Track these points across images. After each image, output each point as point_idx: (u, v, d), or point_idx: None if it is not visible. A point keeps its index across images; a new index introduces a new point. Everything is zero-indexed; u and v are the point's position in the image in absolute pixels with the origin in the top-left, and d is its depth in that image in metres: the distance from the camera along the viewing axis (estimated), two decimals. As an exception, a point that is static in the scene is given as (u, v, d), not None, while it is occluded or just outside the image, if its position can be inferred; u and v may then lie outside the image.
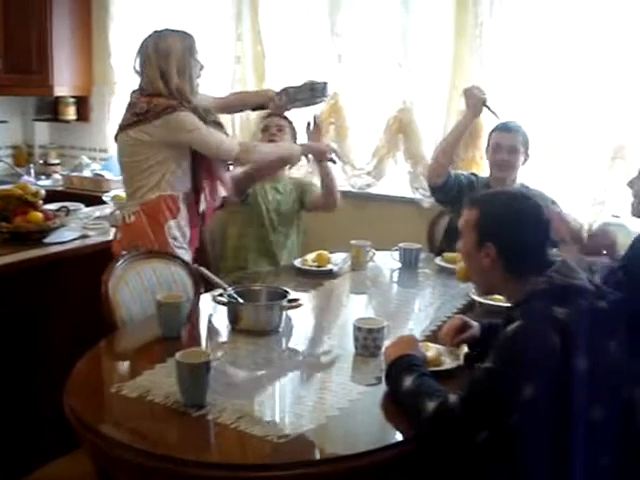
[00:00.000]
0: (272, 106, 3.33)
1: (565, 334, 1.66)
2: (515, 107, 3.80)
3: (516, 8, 3.79)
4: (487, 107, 3.44)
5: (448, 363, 2.06)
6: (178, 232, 2.92)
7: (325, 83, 3.22)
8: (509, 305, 2.48)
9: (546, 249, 1.88)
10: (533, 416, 1.65)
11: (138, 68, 2.93)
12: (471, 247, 1.91)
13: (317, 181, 3.68)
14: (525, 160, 3.40)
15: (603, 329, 1.76)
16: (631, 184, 2.59)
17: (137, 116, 2.84)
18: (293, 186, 3.67)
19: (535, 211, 1.89)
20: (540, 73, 3.76)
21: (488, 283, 1.97)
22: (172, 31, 2.94)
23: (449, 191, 3.44)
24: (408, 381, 1.81)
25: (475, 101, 3.44)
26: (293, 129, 3.64)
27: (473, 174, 3.56)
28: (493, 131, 3.44)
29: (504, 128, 3.38)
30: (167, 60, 2.83)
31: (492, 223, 1.88)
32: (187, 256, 2.95)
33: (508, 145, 3.31)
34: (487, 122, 3.80)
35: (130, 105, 2.92)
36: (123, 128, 2.90)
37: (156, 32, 2.92)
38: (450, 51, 3.92)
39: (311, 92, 3.19)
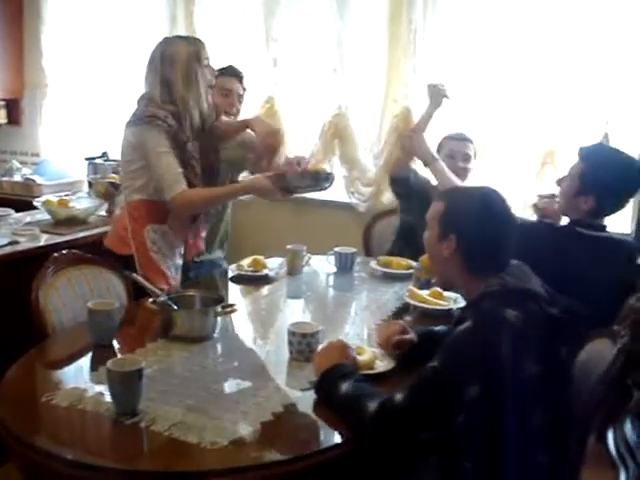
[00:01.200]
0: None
1: (514, 337, 1.67)
2: (448, 112, 3.85)
3: (449, 15, 3.86)
4: (447, 97, 3.43)
5: (382, 366, 2.07)
6: (160, 238, 2.86)
7: (329, 174, 2.82)
8: (445, 308, 2.56)
9: (506, 251, 1.89)
10: (476, 417, 1.67)
11: (145, 74, 2.88)
12: (433, 237, 1.93)
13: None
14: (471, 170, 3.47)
15: (553, 335, 1.78)
16: (559, 182, 2.70)
17: (132, 117, 2.81)
18: None
19: (501, 210, 1.90)
20: (472, 79, 3.84)
21: (446, 276, 1.98)
22: (180, 37, 2.93)
23: (410, 184, 3.48)
24: (344, 387, 1.82)
25: (436, 93, 3.42)
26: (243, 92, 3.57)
27: (427, 180, 3.57)
28: (445, 139, 3.49)
29: (459, 137, 3.46)
30: (172, 68, 2.79)
31: (457, 216, 1.89)
32: (167, 264, 2.90)
33: (463, 153, 3.40)
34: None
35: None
36: (126, 125, 2.86)
37: (165, 39, 2.90)
38: (384, 57, 3.97)
39: (313, 181, 2.75)
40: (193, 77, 2.81)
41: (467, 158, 3.41)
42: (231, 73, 3.52)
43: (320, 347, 2.10)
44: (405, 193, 3.55)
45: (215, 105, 3.09)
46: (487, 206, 1.88)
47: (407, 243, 3.49)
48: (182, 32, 4.37)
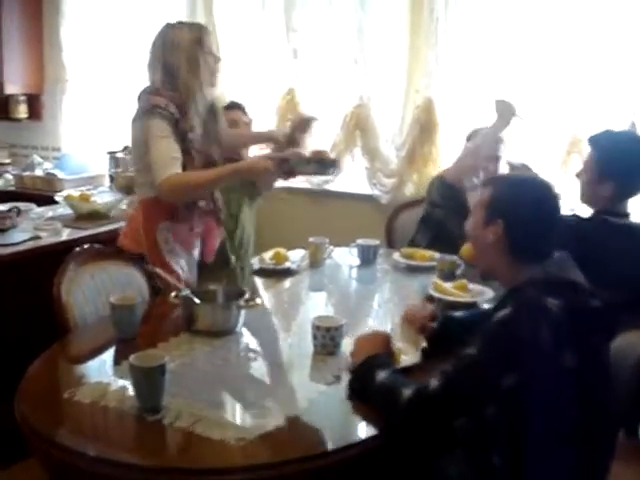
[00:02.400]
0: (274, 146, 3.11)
1: (555, 327, 1.65)
2: (471, 102, 3.82)
3: (471, 3, 3.81)
4: (516, 116, 3.30)
5: (407, 360, 2.05)
6: (172, 236, 2.82)
7: (335, 161, 2.81)
8: (469, 300, 2.53)
9: (552, 238, 1.86)
10: (510, 407, 1.65)
11: (148, 64, 2.83)
12: (479, 223, 1.90)
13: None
14: None
15: (594, 327, 1.75)
16: (578, 175, 2.66)
17: (136, 112, 2.78)
18: None
19: (550, 199, 1.87)
20: (496, 68, 3.79)
21: (488, 263, 1.94)
22: (182, 23, 2.84)
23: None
24: (381, 375, 1.81)
25: (505, 110, 3.28)
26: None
27: None
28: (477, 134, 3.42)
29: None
30: (174, 53, 2.73)
31: (505, 200, 1.86)
32: (180, 263, 2.86)
33: (496, 156, 3.32)
34: (441, 119, 3.82)
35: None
36: (131, 122, 2.82)
37: (167, 24, 2.82)
38: (406, 47, 3.94)
39: (318, 167, 2.70)
40: (196, 62, 2.73)
41: (498, 159, 3.34)
42: (231, 106, 3.54)
43: (349, 342, 2.08)
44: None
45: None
46: (535, 192, 1.86)
47: (436, 236, 3.43)
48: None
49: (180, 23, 2.84)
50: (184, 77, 2.72)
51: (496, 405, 1.66)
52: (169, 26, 2.80)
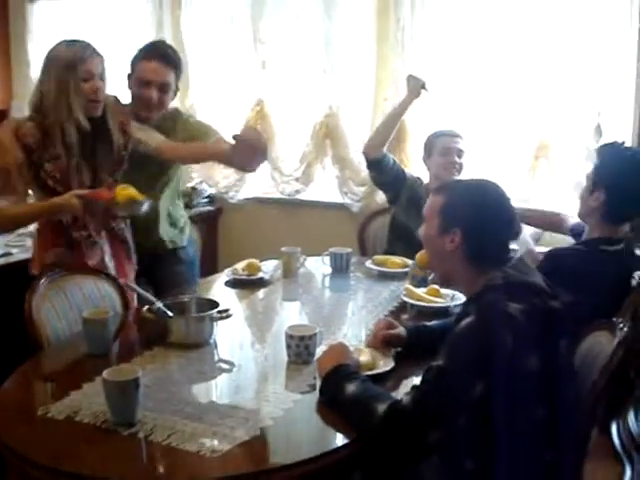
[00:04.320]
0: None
1: (518, 332, 1.66)
2: (438, 108, 3.85)
3: (437, 11, 3.85)
4: (425, 89, 3.50)
5: (382, 366, 2.06)
6: (60, 261, 2.72)
7: (142, 201, 2.58)
8: (442, 305, 2.54)
9: (508, 243, 1.88)
10: (481, 415, 1.66)
11: None
12: (435, 231, 1.89)
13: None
14: None
15: (554, 329, 1.76)
16: (576, 187, 2.67)
17: None
18: None
19: (503, 203, 1.88)
20: (462, 74, 3.83)
21: (447, 270, 1.94)
22: (67, 42, 2.64)
23: (384, 171, 3.51)
24: (351, 388, 1.80)
25: (415, 84, 3.50)
26: (178, 79, 3.10)
27: (418, 178, 3.61)
28: (436, 137, 3.48)
29: (451, 133, 3.47)
30: (47, 74, 2.59)
31: (460, 208, 1.85)
32: None
33: (457, 149, 3.41)
34: (412, 127, 3.86)
35: None
36: None
37: (61, 41, 2.67)
38: (373, 56, 3.97)
39: (124, 208, 2.60)
40: (64, 87, 2.55)
41: (460, 153, 3.42)
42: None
43: (321, 350, 2.08)
44: (383, 179, 3.58)
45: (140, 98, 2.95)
46: (489, 198, 1.87)
47: (398, 238, 3.52)
48: (169, 37, 4.35)
49: (66, 42, 2.65)
50: (51, 102, 2.58)
51: (468, 413, 1.66)
52: (54, 45, 2.66)
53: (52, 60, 2.60)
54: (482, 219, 1.83)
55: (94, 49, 2.65)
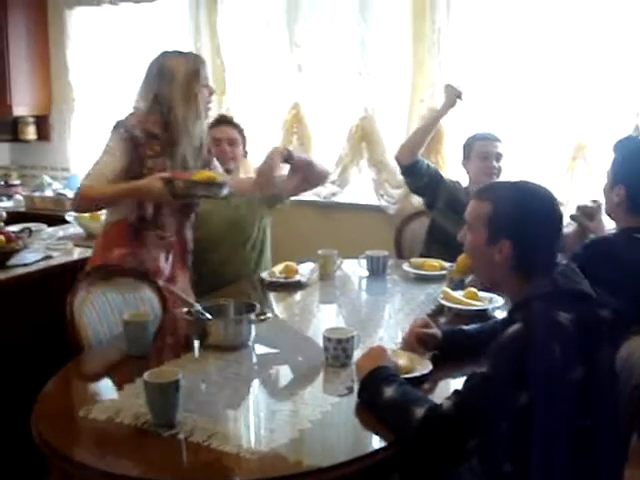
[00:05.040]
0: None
1: (567, 342, 1.63)
2: (475, 110, 3.84)
3: (472, 12, 3.83)
4: (461, 99, 3.50)
5: (420, 369, 2.05)
6: (124, 262, 2.79)
7: (222, 183, 2.69)
8: (481, 308, 2.53)
9: (556, 249, 1.83)
10: (524, 422, 1.63)
11: (140, 85, 2.83)
12: (482, 241, 1.83)
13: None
14: None
15: (603, 338, 1.74)
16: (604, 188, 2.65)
17: None
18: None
19: (551, 208, 1.83)
20: (499, 75, 3.81)
21: (493, 279, 1.91)
22: (179, 53, 2.83)
23: (418, 176, 3.51)
24: (389, 392, 1.79)
25: (451, 93, 3.49)
26: (244, 139, 3.51)
27: (457, 181, 3.60)
28: (475, 140, 3.47)
29: (490, 137, 3.46)
30: (170, 85, 2.72)
31: (509, 219, 1.79)
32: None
33: (496, 153, 3.41)
34: (449, 129, 3.85)
35: None
36: None
37: (163, 53, 2.82)
38: (409, 58, 3.96)
39: (203, 189, 2.66)
40: (192, 96, 2.73)
41: (499, 157, 3.41)
42: (220, 121, 3.51)
43: (359, 353, 2.08)
44: (417, 184, 3.57)
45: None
46: (540, 206, 1.81)
47: (434, 240, 3.52)
48: (206, 42, 4.42)
49: (177, 53, 2.83)
50: (179, 109, 2.72)
51: (510, 422, 1.64)
52: (165, 55, 2.80)
53: (173, 71, 2.73)
54: (532, 229, 1.78)
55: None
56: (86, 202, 2.73)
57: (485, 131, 3.53)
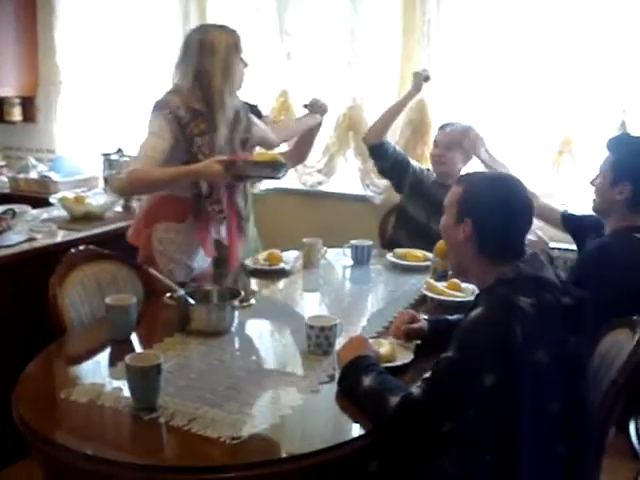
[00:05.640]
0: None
1: (528, 325, 1.66)
2: (462, 101, 3.85)
3: (462, 5, 3.84)
4: (425, 80, 3.63)
5: (401, 358, 2.07)
6: (169, 238, 2.83)
7: (284, 164, 2.71)
8: (463, 299, 2.55)
9: (522, 238, 1.89)
10: (492, 406, 1.66)
11: (177, 61, 2.82)
12: (450, 221, 1.92)
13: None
14: (467, 160, 3.53)
15: (565, 324, 1.77)
16: (593, 182, 2.67)
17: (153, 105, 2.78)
18: None
19: (520, 198, 1.88)
20: (487, 68, 3.82)
21: (460, 262, 1.96)
22: (218, 27, 2.84)
23: (384, 157, 3.65)
24: (367, 380, 1.81)
25: (418, 79, 3.62)
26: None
27: (427, 168, 3.68)
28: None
29: (443, 126, 3.56)
30: (210, 58, 2.73)
31: (474, 199, 1.87)
32: (169, 266, 2.83)
33: (444, 142, 3.49)
34: (435, 120, 3.86)
35: None
36: None
37: (202, 27, 2.85)
38: (398, 48, 3.97)
39: (266, 170, 2.70)
40: (231, 69, 2.76)
41: (448, 147, 3.48)
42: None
43: (341, 342, 2.09)
44: (383, 166, 3.69)
45: None
46: (505, 190, 1.87)
47: (402, 224, 3.63)
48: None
49: (217, 26, 2.85)
50: (218, 82, 2.74)
51: (479, 405, 1.67)
52: (204, 29, 2.83)
53: (215, 45, 2.73)
54: (493, 211, 1.84)
55: None
56: (138, 185, 2.71)
57: (451, 122, 3.59)
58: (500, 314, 1.69)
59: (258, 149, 3.04)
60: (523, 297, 1.71)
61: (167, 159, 2.67)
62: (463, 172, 3.47)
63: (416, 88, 3.62)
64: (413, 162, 3.70)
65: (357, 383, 1.83)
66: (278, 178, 2.76)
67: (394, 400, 1.72)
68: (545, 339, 1.71)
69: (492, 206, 1.84)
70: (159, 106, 2.71)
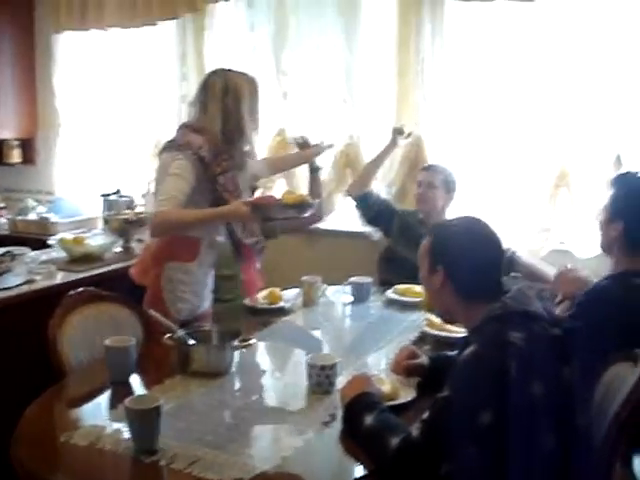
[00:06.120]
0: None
1: (521, 359, 1.66)
2: (459, 137, 3.87)
3: (457, 42, 3.87)
4: (399, 133, 3.76)
5: (404, 396, 2.06)
6: (178, 277, 2.83)
7: (312, 203, 2.74)
8: (462, 336, 2.53)
9: (497, 275, 1.90)
10: (490, 444, 1.64)
11: (197, 102, 2.88)
12: (425, 272, 1.95)
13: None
14: (448, 200, 3.59)
15: (557, 355, 1.77)
16: (596, 218, 2.66)
17: (167, 143, 2.84)
18: None
19: (487, 237, 1.91)
20: (483, 105, 3.84)
21: (444, 308, 1.98)
22: (238, 73, 2.93)
23: (368, 207, 3.79)
24: (369, 419, 1.80)
25: (393, 133, 3.76)
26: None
27: (413, 210, 3.75)
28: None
29: (425, 167, 3.69)
30: (236, 102, 2.81)
31: (442, 247, 1.92)
32: (176, 306, 2.83)
33: (427, 181, 3.58)
34: (431, 158, 3.89)
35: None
36: (159, 152, 2.89)
37: (222, 70, 2.91)
38: (394, 87, 3.99)
39: (295, 211, 2.70)
40: (255, 113, 2.88)
41: (430, 186, 3.56)
42: None
43: (342, 380, 2.09)
44: (368, 215, 3.83)
45: None
46: (470, 233, 1.92)
47: (392, 265, 3.65)
48: (192, 68, 4.44)
49: (237, 72, 2.93)
50: (246, 122, 2.82)
51: (477, 443, 1.65)
52: (225, 73, 2.88)
53: (239, 88, 2.83)
54: (462, 253, 1.87)
55: None
56: (164, 227, 2.72)
57: (434, 163, 3.70)
58: (492, 351, 1.69)
59: (285, 189, 3.09)
60: (513, 332, 1.71)
61: (188, 199, 2.68)
62: (447, 210, 3.57)
63: (393, 142, 3.76)
64: (398, 207, 3.81)
65: (359, 422, 1.82)
66: (304, 218, 2.82)
67: (394, 441, 1.71)
68: (539, 371, 1.70)
69: (460, 250, 1.89)
70: (178, 146, 2.74)
